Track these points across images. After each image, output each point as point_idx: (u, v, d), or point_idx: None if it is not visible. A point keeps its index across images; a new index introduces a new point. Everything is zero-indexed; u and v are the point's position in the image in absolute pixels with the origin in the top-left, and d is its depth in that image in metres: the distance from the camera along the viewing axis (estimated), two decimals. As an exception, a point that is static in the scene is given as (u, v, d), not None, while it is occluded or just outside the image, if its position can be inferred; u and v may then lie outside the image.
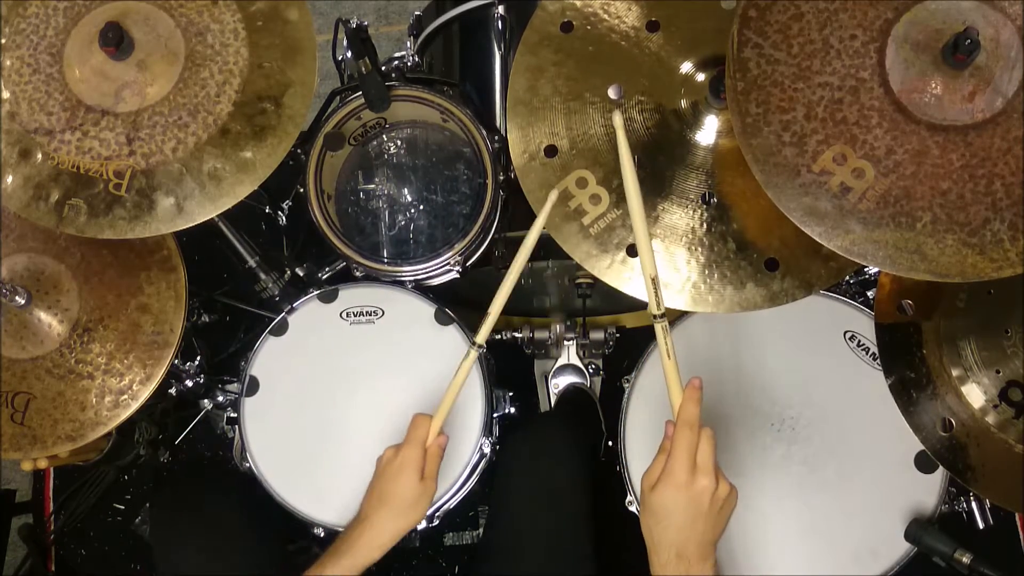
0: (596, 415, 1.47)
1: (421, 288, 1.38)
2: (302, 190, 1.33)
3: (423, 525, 1.26)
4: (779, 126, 0.90)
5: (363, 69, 1.24)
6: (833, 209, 0.89)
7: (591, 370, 1.54)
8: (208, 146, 1.07)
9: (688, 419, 0.89)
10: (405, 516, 1.02)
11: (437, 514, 1.27)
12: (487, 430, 1.29)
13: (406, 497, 1.01)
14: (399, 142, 1.44)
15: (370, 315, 1.35)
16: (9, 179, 1.06)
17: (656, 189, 1.08)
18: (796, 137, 0.90)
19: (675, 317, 1.31)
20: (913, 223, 0.88)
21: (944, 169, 0.88)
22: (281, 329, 1.36)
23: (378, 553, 1.01)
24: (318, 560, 1.02)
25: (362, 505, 1.04)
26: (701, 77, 1.10)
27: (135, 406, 1.17)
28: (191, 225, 1.07)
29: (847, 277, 1.34)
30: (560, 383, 1.54)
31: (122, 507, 1.80)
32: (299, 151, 1.33)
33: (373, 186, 1.43)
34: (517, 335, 1.55)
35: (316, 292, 1.37)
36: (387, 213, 1.43)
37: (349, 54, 1.26)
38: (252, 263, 1.50)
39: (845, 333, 1.27)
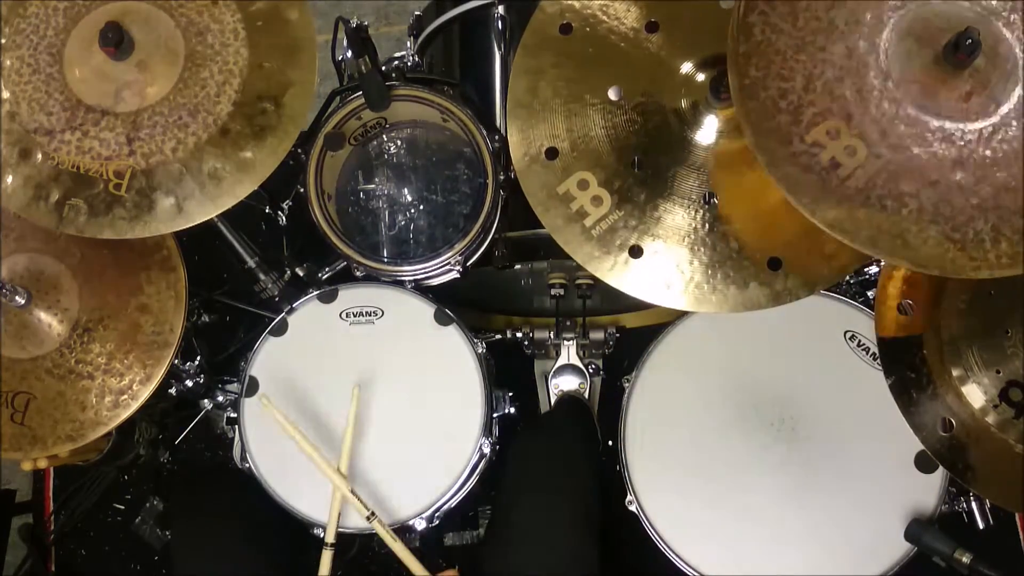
0: (592, 423, 1.47)
1: (421, 288, 1.38)
2: (302, 190, 1.33)
3: (423, 525, 1.26)
4: (776, 92, 0.91)
5: (363, 68, 1.24)
6: (821, 182, 0.89)
7: (591, 370, 1.53)
8: (208, 146, 1.07)
9: None
10: None
11: (437, 514, 1.26)
12: (487, 430, 1.29)
13: None
14: (399, 142, 1.44)
15: (370, 315, 1.35)
16: (9, 179, 1.06)
17: (657, 189, 1.08)
18: (792, 106, 0.90)
19: (676, 317, 1.31)
20: (899, 208, 0.88)
21: (935, 161, 0.88)
22: (281, 329, 1.35)
23: None
24: None
25: None
26: (701, 77, 1.10)
27: (135, 406, 1.17)
28: (191, 225, 1.07)
29: (847, 277, 1.34)
30: (560, 383, 1.54)
31: (122, 507, 1.80)
32: (299, 151, 1.33)
33: (373, 186, 1.43)
34: (517, 335, 1.54)
35: (316, 292, 1.37)
36: (387, 213, 1.43)
37: (349, 54, 1.26)
38: (252, 263, 1.50)
39: (845, 333, 1.27)
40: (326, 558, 1.16)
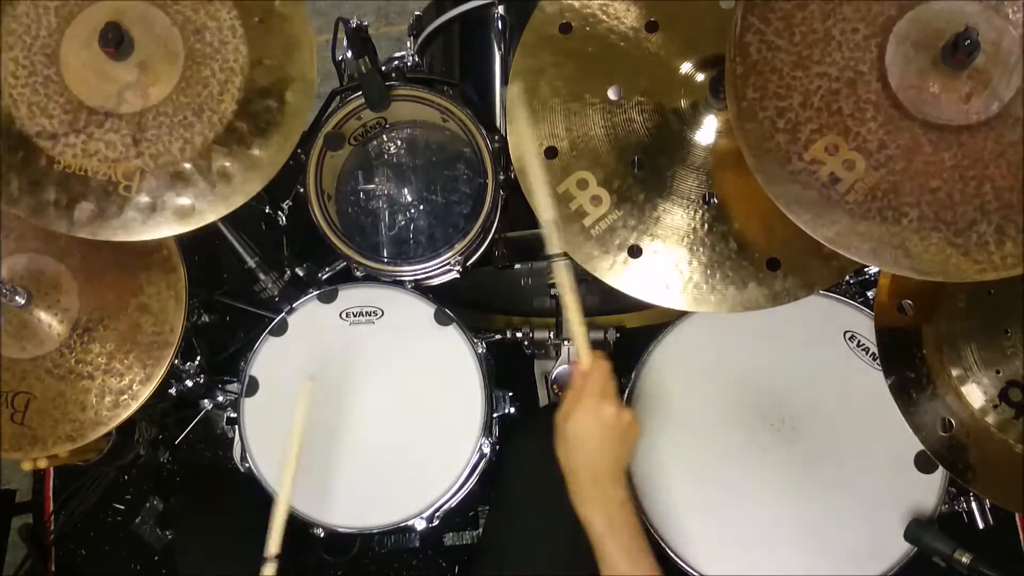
0: None
1: (421, 288, 1.38)
2: (302, 190, 1.33)
3: (423, 525, 1.26)
4: (774, 112, 0.90)
5: (363, 68, 1.24)
6: (821, 198, 0.89)
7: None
8: (216, 145, 1.07)
9: (597, 359, 0.99)
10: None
11: (437, 514, 1.26)
12: (487, 430, 1.29)
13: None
14: (399, 142, 1.44)
15: (370, 315, 1.35)
16: (14, 182, 1.05)
17: (657, 189, 1.08)
18: (790, 124, 0.90)
19: (676, 317, 1.31)
20: (899, 218, 0.88)
21: (935, 167, 0.88)
22: (281, 329, 1.35)
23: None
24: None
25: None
26: (701, 77, 1.10)
27: (135, 406, 1.17)
28: (204, 224, 1.07)
29: (847, 277, 1.34)
30: (561, 384, 1.54)
31: (122, 507, 1.80)
32: (299, 151, 1.33)
33: (373, 186, 1.43)
34: (517, 335, 1.54)
35: (316, 292, 1.37)
36: (387, 213, 1.43)
37: (349, 54, 1.26)
38: (252, 263, 1.50)
39: (845, 333, 1.27)
40: (268, 572, 1.01)
